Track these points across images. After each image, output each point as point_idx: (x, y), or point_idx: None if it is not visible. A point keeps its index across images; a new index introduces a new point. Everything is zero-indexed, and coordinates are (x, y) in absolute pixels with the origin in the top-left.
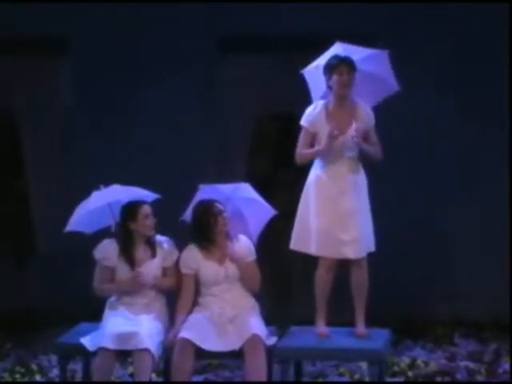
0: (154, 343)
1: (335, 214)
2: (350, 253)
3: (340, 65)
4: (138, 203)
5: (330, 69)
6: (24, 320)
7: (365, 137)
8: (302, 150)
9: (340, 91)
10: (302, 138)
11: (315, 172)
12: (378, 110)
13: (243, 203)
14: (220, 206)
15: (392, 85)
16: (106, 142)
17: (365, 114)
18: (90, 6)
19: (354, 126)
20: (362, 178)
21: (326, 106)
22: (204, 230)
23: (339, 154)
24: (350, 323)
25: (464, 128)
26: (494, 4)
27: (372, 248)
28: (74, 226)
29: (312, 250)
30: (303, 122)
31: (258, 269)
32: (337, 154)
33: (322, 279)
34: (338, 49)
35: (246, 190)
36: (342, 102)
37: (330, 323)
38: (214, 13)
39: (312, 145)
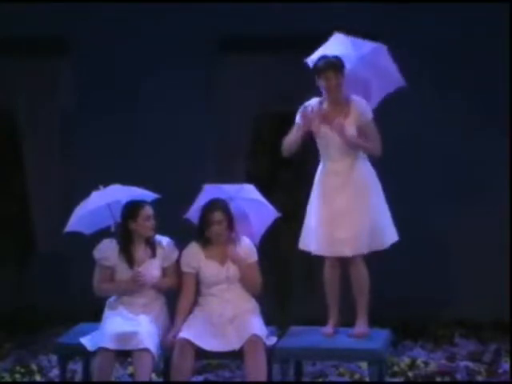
0: (153, 343)
1: (330, 212)
2: (346, 250)
3: (326, 70)
4: (141, 204)
5: (317, 72)
6: (24, 320)
7: (361, 133)
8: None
9: (328, 96)
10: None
11: (318, 171)
12: (374, 110)
13: (247, 204)
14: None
15: (397, 79)
16: (105, 142)
17: (358, 110)
18: (90, 6)
19: (336, 121)
20: (362, 175)
21: (320, 103)
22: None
23: (336, 152)
24: (350, 323)
25: (463, 129)
26: (494, 4)
27: (380, 245)
28: (74, 226)
29: (312, 248)
30: (298, 119)
31: (259, 271)
32: (334, 151)
33: (328, 277)
34: (336, 41)
35: (250, 191)
36: (334, 100)
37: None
38: (214, 13)
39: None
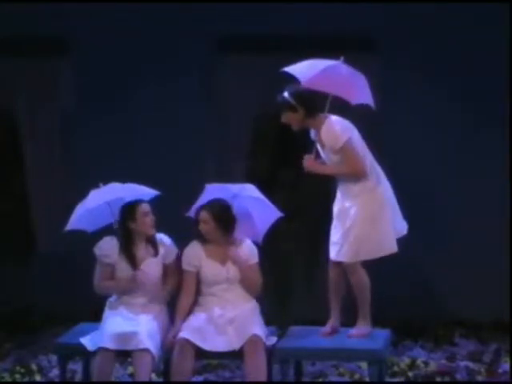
0: (153, 343)
1: (333, 216)
2: (332, 253)
3: (279, 109)
4: (136, 202)
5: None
6: (24, 320)
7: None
8: None
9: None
10: None
11: None
12: (373, 114)
13: (250, 202)
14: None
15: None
16: (106, 142)
17: (327, 141)
18: (90, 6)
19: (305, 162)
20: (360, 186)
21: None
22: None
23: None
24: (351, 323)
25: (463, 131)
26: (494, 4)
27: (358, 256)
28: (75, 224)
29: None
30: None
31: (259, 272)
32: None
33: (331, 278)
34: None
35: (252, 190)
36: (313, 130)
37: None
38: (214, 13)
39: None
